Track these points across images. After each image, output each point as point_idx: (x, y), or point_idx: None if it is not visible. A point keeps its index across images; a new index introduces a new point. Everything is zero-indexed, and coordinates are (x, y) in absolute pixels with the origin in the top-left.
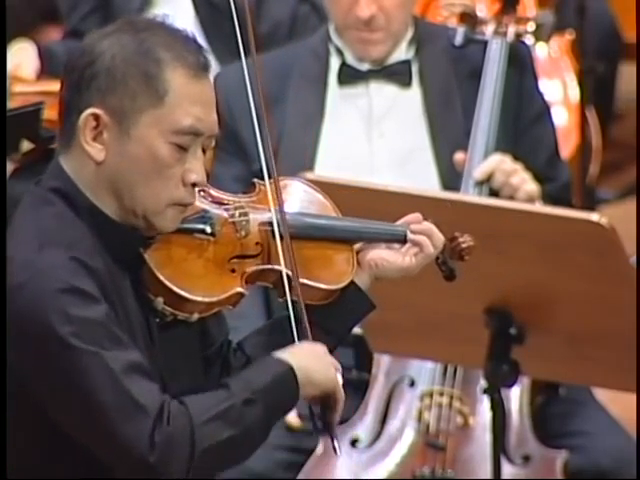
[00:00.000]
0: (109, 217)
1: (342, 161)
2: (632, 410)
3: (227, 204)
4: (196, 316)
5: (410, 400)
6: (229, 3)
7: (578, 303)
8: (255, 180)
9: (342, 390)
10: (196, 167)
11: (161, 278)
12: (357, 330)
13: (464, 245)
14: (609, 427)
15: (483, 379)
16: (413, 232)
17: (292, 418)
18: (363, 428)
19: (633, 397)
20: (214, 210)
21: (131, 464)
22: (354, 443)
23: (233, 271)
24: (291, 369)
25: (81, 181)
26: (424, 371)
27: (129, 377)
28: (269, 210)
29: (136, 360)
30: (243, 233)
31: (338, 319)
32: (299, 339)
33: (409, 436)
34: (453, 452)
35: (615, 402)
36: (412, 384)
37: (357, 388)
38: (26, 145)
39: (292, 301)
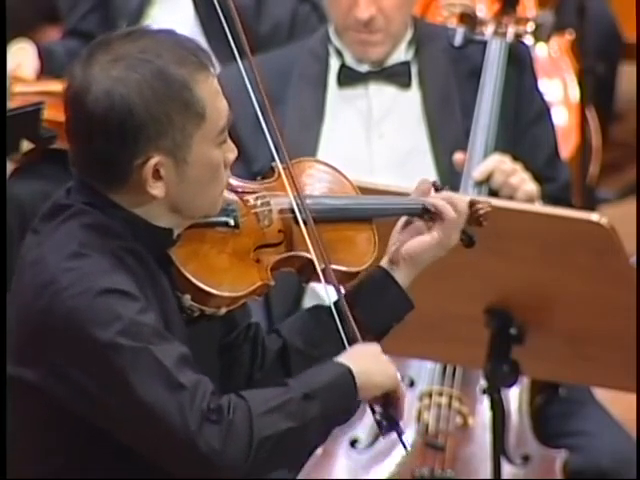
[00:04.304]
0: (149, 223)
1: (342, 162)
2: (632, 410)
3: (248, 193)
4: (224, 310)
5: (410, 400)
6: (218, 7)
7: (578, 303)
8: (274, 164)
9: (403, 387)
10: (230, 146)
11: (187, 275)
12: None
13: (482, 211)
14: (609, 427)
15: (483, 379)
16: (432, 202)
17: None
18: (363, 428)
19: (633, 397)
20: (236, 201)
21: (191, 457)
22: (354, 443)
23: (258, 261)
24: (349, 371)
25: (139, 209)
26: (423, 371)
27: (181, 370)
28: (289, 195)
29: (185, 353)
30: (266, 222)
31: (379, 317)
32: (347, 338)
33: (408, 436)
34: (452, 452)
35: (615, 402)
36: (411, 384)
37: None
38: (26, 145)
39: (336, 304)
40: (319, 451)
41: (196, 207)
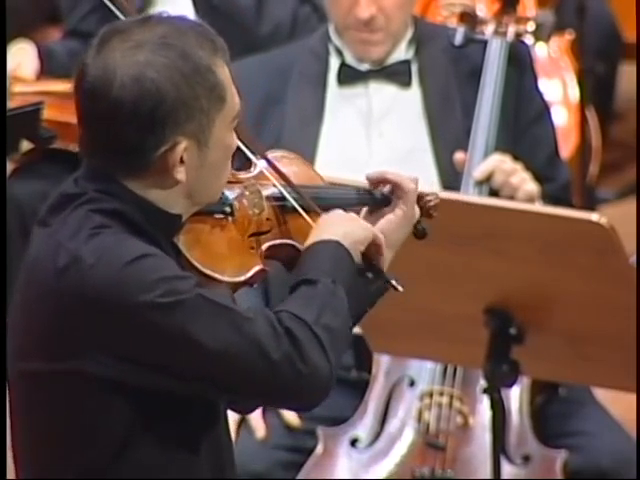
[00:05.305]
0: (161, 209)
1: (341, 161)
2: (632, 410)
3: (238, 182)
4: None
5: (410, 400)
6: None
7: (578, 303)
8: (252, 157)
9: (379, 233)
10: (234, 133)
11: (194, 262)
12: (356, 330)
13: (431, 203)
14: (609, 427)
15: (483, 379)
16: (391, 179)
17: (292, 418)
18: (363, 428)
19: (633, 397)
20: (229, 189)
21: (282, 386)
22: (354, 443)
23: (252, 248)
24: (338, 243)
25: (156, 195)
26: (424, 371)
27: (232, 303)
28: (272, 185)
29: (226, 293)
30: (257, 210)
31: (357, 298)
32: None
33: (409, 436)
34: (453, 452)
35: (615, 402)
36: (412, 384)
37: (357, 388)
38: (26, 145)
39: None
40: (319, 451)
41: (208, 192)
